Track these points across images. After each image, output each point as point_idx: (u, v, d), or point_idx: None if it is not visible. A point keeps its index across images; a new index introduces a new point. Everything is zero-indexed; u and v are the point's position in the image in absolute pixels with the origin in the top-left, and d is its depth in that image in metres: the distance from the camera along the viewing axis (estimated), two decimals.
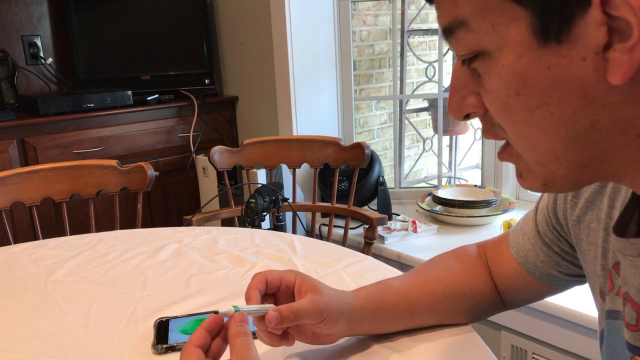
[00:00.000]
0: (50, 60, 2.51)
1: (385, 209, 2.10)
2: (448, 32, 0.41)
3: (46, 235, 1.30)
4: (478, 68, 0.41)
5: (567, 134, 0.39)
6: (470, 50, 0.40)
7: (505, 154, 0.45)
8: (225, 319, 0.55)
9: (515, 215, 1.93)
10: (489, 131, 0.45)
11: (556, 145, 0.40)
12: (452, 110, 0.45)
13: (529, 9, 0.36)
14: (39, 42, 2.49)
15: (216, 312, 0.53)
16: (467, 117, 0.45)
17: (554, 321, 1.45)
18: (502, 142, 0.45)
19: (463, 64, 0.42)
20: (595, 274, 0.57)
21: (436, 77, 2.42)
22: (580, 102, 0.37)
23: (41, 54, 2.49)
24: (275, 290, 0.64)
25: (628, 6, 0.33)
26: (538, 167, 0.43)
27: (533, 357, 1.54)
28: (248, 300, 0.61)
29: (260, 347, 0.69)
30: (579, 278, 0.67)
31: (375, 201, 2.14)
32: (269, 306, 0.60)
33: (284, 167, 2.03)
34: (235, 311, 0.54)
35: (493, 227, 1.96)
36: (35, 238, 1.39)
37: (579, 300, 1.40)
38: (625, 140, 0.39)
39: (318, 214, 2.01)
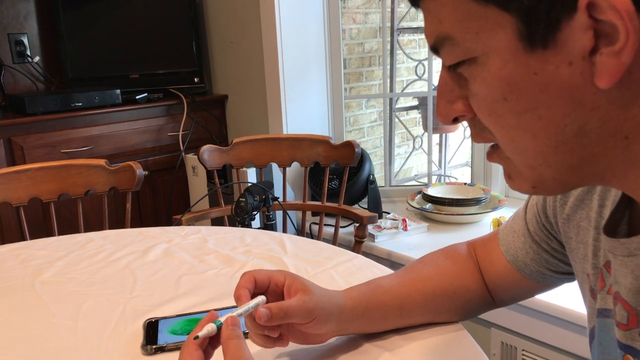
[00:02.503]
0: (37, 58, 2.48)
1: (376, 207, 2.10)
2: (435, 50, 0.42)
3: (34, 236, 1.29)
4: (464, 73, 0.41)
5: (555, 137, 0.39)
6: (459, 60, 0.40)
7: (494, 155, 0.45)
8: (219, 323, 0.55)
9: (505, 213, 1.94)
10: (477, 134, 0.45)
11: (545, 148, 0.40)
12: (440, 115, 0.45)
13: (514, 15, 0.36)
14: (25, 41, 2.46)
15: (196, 337, 0.53)
16: (456, 120, 0.45)
17: (543, 318, 1.46)
18: (491, 143, 0.45)
19: (449, 69, 0.42)
20: (584, 273, 0.57)
21: (426, 75, 2.43)
22: (568, 106, 0.37)
23: (28, 53, 2.46)
24: (264, 290, 0.64)
25: (614, 10, 0.33)
26: (527, 170, 0.43)
27: (523, 354, 1.55)
28: (238, 300, 0.60)
29: (251, 346, 0.69)
30: (568, 275, 0.67)
31: (365, 199, 2.14)
32: (255, 303, 0.59)
33: (274, 165, 2.03)
34: (217, 326, 0.54)
35: (483, 225, 1.97)
36: (23, 238, 1.38)
37: (568, 298, 1.41)
38: (614, 143, 0.39)
39: (308, 213, 2.01)
